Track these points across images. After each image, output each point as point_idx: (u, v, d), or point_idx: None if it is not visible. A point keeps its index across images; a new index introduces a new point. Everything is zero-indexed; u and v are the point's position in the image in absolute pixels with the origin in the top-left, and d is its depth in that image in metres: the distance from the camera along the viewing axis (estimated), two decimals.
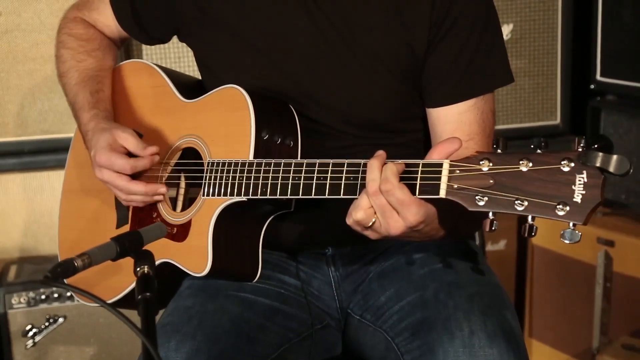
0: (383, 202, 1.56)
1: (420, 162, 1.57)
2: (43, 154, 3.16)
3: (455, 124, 1.83)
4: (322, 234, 1.95)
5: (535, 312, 3.35)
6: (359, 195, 1.62)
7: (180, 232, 1.87)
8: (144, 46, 3.15)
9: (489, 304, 1.77)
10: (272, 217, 1.87)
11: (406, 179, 1.56)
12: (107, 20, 2.10)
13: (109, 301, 1.96)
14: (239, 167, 1.78)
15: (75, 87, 2.05)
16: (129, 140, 1.89)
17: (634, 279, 2.99)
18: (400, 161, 1.57)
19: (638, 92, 3.11)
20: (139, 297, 1.38)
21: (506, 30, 3.29)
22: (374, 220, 1.59)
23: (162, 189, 1.90)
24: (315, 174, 1.69)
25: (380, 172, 1.56)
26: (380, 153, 1.60)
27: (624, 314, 3.04)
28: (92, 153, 1.91)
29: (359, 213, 1.58)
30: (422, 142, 1.93)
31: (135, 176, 1.91)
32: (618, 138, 3.18)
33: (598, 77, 3.22)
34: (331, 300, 1.97)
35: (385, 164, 1.57)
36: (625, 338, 2.95)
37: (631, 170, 1.41)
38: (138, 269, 1.42)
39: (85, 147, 1.98)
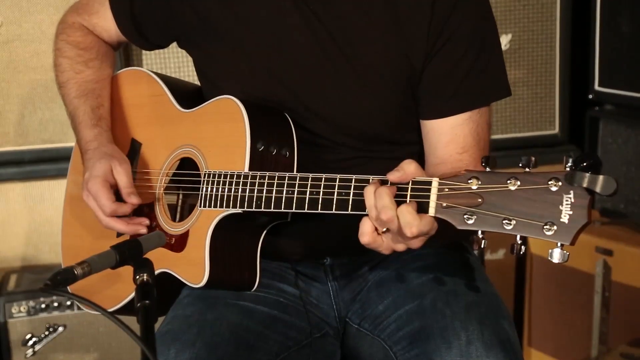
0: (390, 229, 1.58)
1: (410, 179, 1.57)
2: (43, 163, 3.17)
3: (449, 135, 1.84)
4: (320, 245, 1.96)
5: (534, 322, 3.36)
6: (350, 210, 1.63)
7: (179, 243, 1.88)
8: (143, 54, 3.16)
9: (487, 313, 1.77)
10: (268, 227, 1.87)
11: (397, 195, 1.56)
12: (106, 24, 2.11)
13: (110, 309, 1.96)
14: (234, 180, 1.79)
15: (75, 100, 2.06)
16: (121, 178, 1.92)
17: (632, 288, 2.99)
18: (389, 181, 1.58)
19: (636, 101, 3.11)
20: (138, 304, 1.38)
21: (505, 40, 3.31)
22: (380, 243, 1.61)
23: (143, 230, 1.93)
24: (309, 189, 1.69)
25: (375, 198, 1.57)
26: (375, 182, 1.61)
27: (622, 323, 3.05)
28: (86, 175, 1.94)
29: (365, 238, 1.60)
30: (419, 154, 1.92)
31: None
32: (616, 148, 3.19)
33: (596, 87, 3.23)
34: (330, 309, 1.98)
35: (378, 187, 1.57)
36: (624, 347, 2.95)
37: (617, 191, 1.40)
38: (137, 276, 1.43)
39: (82, 162, 1.99)
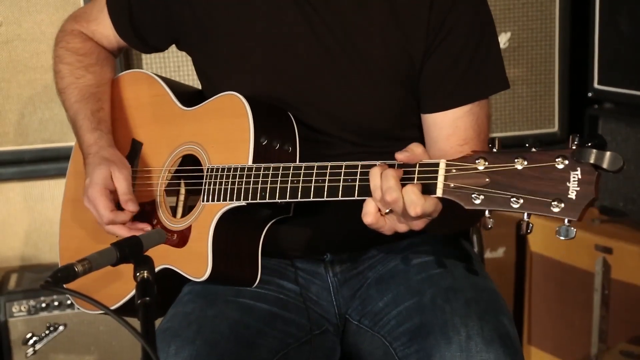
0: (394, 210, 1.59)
1: (417, 162, 1.59)
2: (43, 163, 3.17)
3: (450, 129, 1.85)
4: (321, 240, 1.96)
5: (534, 319, 3.36)
6: (357, 196, 1.64)
7: (180, 238, 1.88)
8: (143, 56, 3.17)
9: (486, 309, 1.78)
10: (271, 222, 1.88)
11: (403, 178, 1.58)
12: (105, 30, 2.11)
13: (110, 308, 1.96)
14: (238, 172, 1.80)
15: (75, 104, 2.06)
16: (120, 183, 1.92)
17: (632, 286, 2.99)
18: (395, 165, 1.60)
19: (635, 99, 3.12)
20: (139, 301, 1.39)
21: (504, 38, 3.31)
22: (382, 224, 1.62)
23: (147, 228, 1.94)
24: (314, 177, 1.70)
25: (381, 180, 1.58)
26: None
27: (622, 321, 3.05)
28: (87, 181, 1.94)
29: (368, 218, 1.61)
30: None
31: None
32: (616, 146, 3.18)
33: (595, 85, 3.23)
34: (330, 305, 1.98)
35: (384, 170, 1.58)
36: (624, 345, 2.96)
37: (624, 167, 1.42)
38: (138, 274, 1.44)
39: (83, 165, 1.99)
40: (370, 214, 1.60)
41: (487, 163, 1.51)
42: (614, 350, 2.96)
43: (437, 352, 1.71)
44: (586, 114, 3.29)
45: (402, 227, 1.62)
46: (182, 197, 1.99)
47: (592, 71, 3.23)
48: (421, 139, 1.93)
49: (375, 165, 1.61)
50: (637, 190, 3.12)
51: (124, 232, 1.92)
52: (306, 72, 1.88)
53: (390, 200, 1.55)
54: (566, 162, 1.44)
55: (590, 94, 3.26)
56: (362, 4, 1.85)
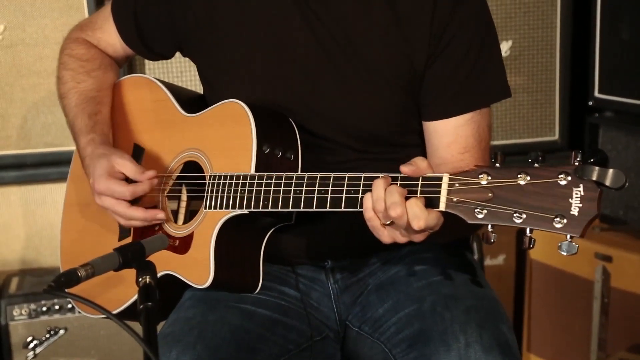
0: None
1: (421, 175, 1.59)
2: (45, 167, 3.18)
3: (451, 137, 1.86)
4: (322, 247, 1.97)
5: (533, 327, 3.36)
6: (359, 208, 1.64)
7: (182, 245, 1.88)
8: (146, 61, 3.17)
9: (486, 317, 1.78)
10: (273, 229, 1.89)
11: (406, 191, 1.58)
12: (110, 38, 2.12)
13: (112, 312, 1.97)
14: (240, 181, 1.81)
15: (74, 109, 2.07)
16: (126, 166, 1.89)
17: (631, 294, 2.99)
18: (399, 181, 1.61)
19: (636, 108, 3.12)
20: (141, 306, 1.39)
21: (505, 47, 3.32)
22: (381, 227, 1.62)
23: (161, 214, 1.90)
24: (317, 188, 1.71)
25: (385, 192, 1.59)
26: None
27: (621, 329, 3.05)
28: (90, 181, 1.92)
29: (368, 213, 1.62)
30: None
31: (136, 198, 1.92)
32: (616, 154, 3.19)
33: (596, 93, 3.24)
34: (330, 312, 1.99)
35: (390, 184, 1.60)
36: (623, 354, 2.96)
37: (627, 184, 1.44)
38: (140, 279, 1.44)
39: (84, 172, 1.99)
40: (369, 209, 1.61)
41: (490, 178, 1.52)
42: (614, 358, 2.96)
43: (436, 359, 1.72)
44: (587, 123, 3.30)
45: (402, 239, 1.63)
46: (183, 204, 1.99)
47: (592, 80, 3.24)
48: (422, 145, 1.94)
49: (378, 177, 1.62)
50: (637, 198, 3.12)
51: (142, 214, 1.88)
52: (308, 78, 1.89)
53: (395, 215, 1.56)
54: (569, 178, 1.45)
55: (590, 103, 3.27)
56: (364, 9, 1.85)
